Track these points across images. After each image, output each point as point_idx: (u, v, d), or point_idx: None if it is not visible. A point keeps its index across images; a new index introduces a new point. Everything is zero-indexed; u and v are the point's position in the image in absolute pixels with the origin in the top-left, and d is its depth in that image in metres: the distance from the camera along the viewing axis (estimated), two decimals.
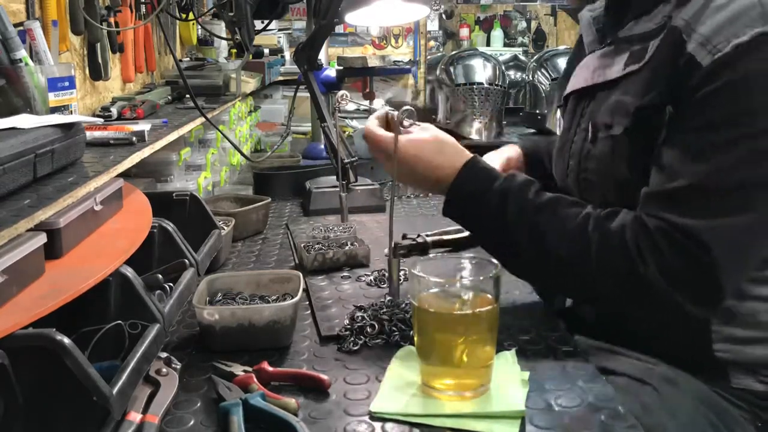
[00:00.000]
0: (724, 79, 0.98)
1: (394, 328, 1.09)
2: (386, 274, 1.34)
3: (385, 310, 1.14)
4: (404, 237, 1.35)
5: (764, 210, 0.99)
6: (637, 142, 1.07)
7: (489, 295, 0.92)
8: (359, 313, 1.13)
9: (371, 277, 1.35)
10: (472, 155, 1.17)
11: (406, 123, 1.15)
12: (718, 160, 0.98)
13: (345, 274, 1.38)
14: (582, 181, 1.18)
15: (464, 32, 6.01)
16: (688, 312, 1.00)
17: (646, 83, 1.06)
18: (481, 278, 0.94)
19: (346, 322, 1.12)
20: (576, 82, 1.24)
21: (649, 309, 1.04)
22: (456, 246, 1.54)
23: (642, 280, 1.00)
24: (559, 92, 1.45)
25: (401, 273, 1.23)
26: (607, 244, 1.03)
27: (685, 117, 1.01)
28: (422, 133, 1.16)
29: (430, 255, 1.23)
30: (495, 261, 0.96)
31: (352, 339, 1.07)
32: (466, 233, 1.49)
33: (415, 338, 0.95)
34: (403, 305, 1.14)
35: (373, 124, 1.19)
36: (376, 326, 1.09)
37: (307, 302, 1.25)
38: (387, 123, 1.20)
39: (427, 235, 1.47)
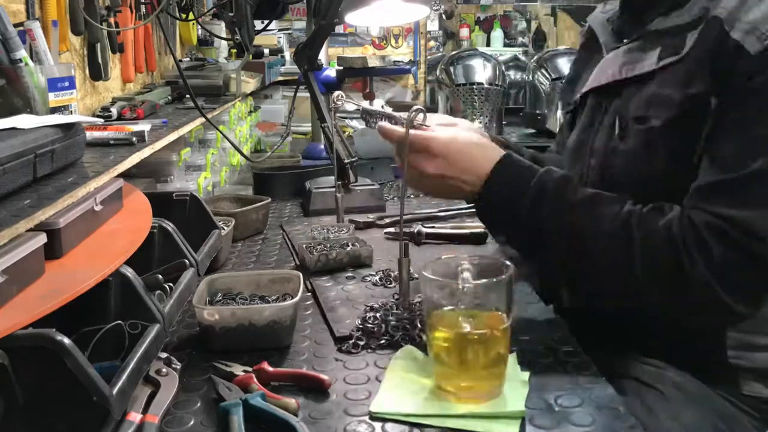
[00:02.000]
0: None
1: (399, 330, 1.08)
2: (391, 274, 1.34)
3: (396, 310, 1.14)
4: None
5: None
6: (677, 134, 1.04)
7: (502, 313, 0.90)
8: (371, 314, 1.14)
9: (377, 278, 1.35)
10: (505, 152, 1.12)
11: (417, 123, 1.14)
12: None
13: (349, 274, 1.38)
14: (607, 180, 1.14)
15: (464, 32, 6.02)
16: (734, 313, 0.98)
17: (688, 74, 1.03)
18: (494, 294, 0.91)
19: (358, 322, 1.12)
20: (598, 80, 1.20)
21: (691, 313, 1.01)
22: (457, 241, 1.55)
23: (688, 280, 0.97)
24: (565, 96, 1.43)
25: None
26: (652, 244, 1.00)
27: (737, 107, 0.99)
28: (460, 130, 1.14)
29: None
30: (507, 263, 0.93)
31: (355, 340, 1.07)
32: (467, 231, 1.49)
33: (428, 343, 0.94)
34: (413, 305, 1.14)
35: (390, 126, 1.15)
36: (383, 327, 1.09)
37: (314, 303, 1.25)
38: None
39: (426, 226, 1.47)
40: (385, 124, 1.18)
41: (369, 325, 1.10)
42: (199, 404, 0.92)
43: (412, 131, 1.11)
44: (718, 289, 0.96)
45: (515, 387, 0.92)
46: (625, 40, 1.19)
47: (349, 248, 1.43)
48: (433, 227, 1.60)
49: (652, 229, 1.01)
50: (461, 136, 1.13)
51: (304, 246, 1.44)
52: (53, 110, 1.27)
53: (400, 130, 1.12)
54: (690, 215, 0.99)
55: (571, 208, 1.05)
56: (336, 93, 1.42)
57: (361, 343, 1.07)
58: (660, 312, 1.04)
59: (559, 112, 1.42)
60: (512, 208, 1.08)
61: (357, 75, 2.71)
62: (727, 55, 0.99)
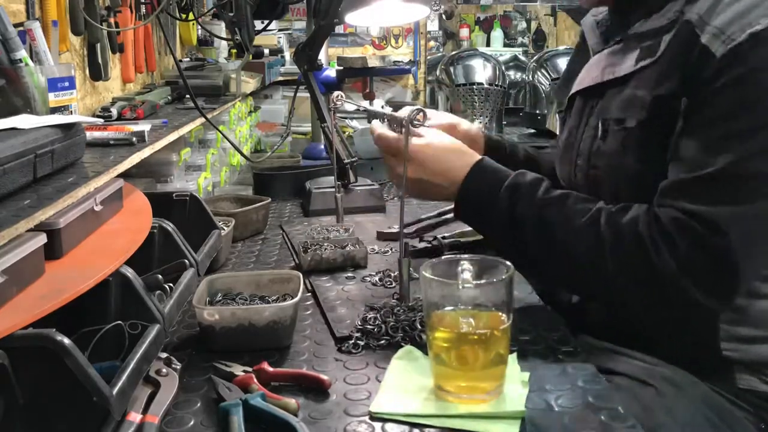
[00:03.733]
0: (740, 68, 0.99)
1: (399, 331, 1.08)
2: (391, 274, 1.34)
3: (396, 310, 1.14)
4: (421, 239, 1.35)
5: None
6: (650, 135, 1.07)
7: (502, 314, 0.90)
8: (371, 314, 1.14)
9: (376, 278, 1.35)
10: (480, 156, 1.18)
11: (418, 123, 1.15)
12: (736, 148, 0.99)
13: (349, 274, 1.38)
14: (591, 179, 1.18)
15: (464, 32, 6.02)
16: (701, 306, 1.00)
17: (660, 75, 1.06)
18: (494, 294, 0.91)
19: (358, 323, 1.12)
20: (583, 82, 1.24)
21: (662, 305, 1.04)
22: (471, 248, 1.54)
23: (656, 273, 0.99)
24: (559, 95, 1.46)
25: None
26: (621, 239, 1.03)
27: (702, 108, 1.01)
28: (433, 135, 1.19)
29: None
30: (507, 263, 0.94)
31: (355, 341, 1.07)
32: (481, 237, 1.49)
33: (428, 343, 0.94)
34: (413, 305, 1.15)
35: (382, 129, 1.21)
36: (383, 327, 1.09)
37: (314, 303, 1.25)
38: (392, 126, 1.20)
39: (444, 237, 1.48)
40: (374, 125, 1.23)
41: (369, 326, 1.10)
42: (199, 404, 0.92)
43: (392, 135, 1.18)
44: (686, 283, 0.99)
45: (515, 387, 0.92)
46: (611, 42, 1.22)
47: (342, 249, 1.43)
48: (453, 237, 1.57)
49: (619, 224, 1.04)
50: (436, 141, 1.19)
51: (300, 245, 1.44)
52: (53, 110, 1.27)
53: (388, 134, 1.19)
54: (656, 211, 1.02)
55: (543, 205, 1.10)
56: (336, 93, 1.42)
57: (361, 343, 1.07)
58: (630, 305, 1.08)
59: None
60: (488, 209, 1.14)
61: (357, 75, 2.71)
62: (695, 57, 1.02)
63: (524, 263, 1.14)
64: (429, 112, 1.26)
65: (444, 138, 1.20)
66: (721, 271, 0.99)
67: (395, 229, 1.63)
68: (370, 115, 1.32)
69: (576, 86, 1.27)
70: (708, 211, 0.98)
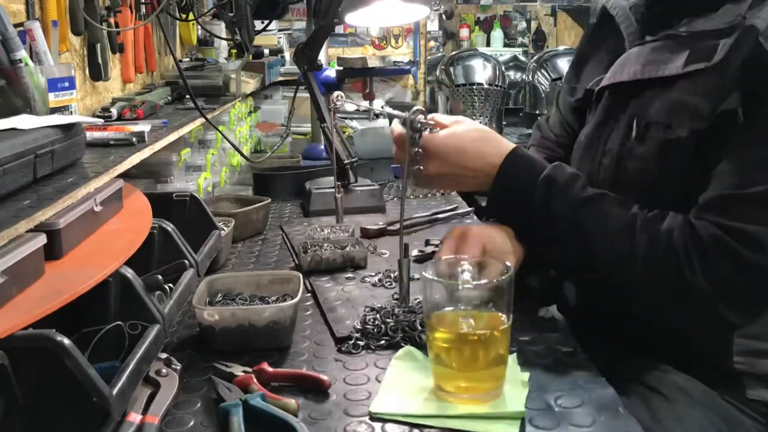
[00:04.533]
0: None
1: (399, 331, 1.08)
2: (391, 275, 1.34)
3: (396, 311, 1.14)
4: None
5: None
6: (702, 146, 1.02)
7: (502, 314, 0.90)
8: (371, 315, 1.13)
9: (376, 279, 1.34)
10: (515, 145, 1.14)
11: (417, 125, 1.14)
12: None
13: (349, 275, 1.38)
14: (618, 180, 1.12)
15: (464, 32, 6.03)
16: (728, 323, 0.99)
17: (720, 85, 1.00)
18: (494, 295, 0.91)
19: (358, 323, 1.12)
20: (618, 75, 1.15)
21: (688, 318, 1.02)
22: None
23: (687, 287, 0.97)
24: (570, 80, 1.37)
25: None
26: (655, 247, 1.00)
27: (757, 124, 0.97)
28: (459, 125, 1.15)
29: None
30: (507, 263, 0.93)
31: (354, 341, 1.07)
32: None
33: (428, 343, 0.94)
34: (413, 305, 1.15)
35: (399, 127, 1.18)
36: (383, 328, 1.09)
37: (314, 303, 1.25)
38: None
39: (436, 245, 1.47)
40: (395, 126, 1.20)
41: (369, 326, 1.10)
42: (199, 405, 0.92)
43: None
44: (716, 299, 0.97)
45: (515, 387, 0.92)
46: (648, 37, 1.15)
47: (342, 249, 1.43)
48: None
49: (655, 232, 1.01)
50: (460, 130, 1.14)
51: (300, 246, 1.44)
52: (53, 110, 1.27)
53: (403, 132, 1.14)
54: (694, 224, 0.99)
55: (580, 202, 1.06)
56: (335, 93, 1.42)
57: (361, 343, 1.07)
58: (657, 316, 1.05)
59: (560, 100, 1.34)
60: (522, 201, 1.09)
61: (357, 75, 2.71)
62: (759, 68, 0.96)
63: (553, 257, 1.11)
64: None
65: (469, 126, 1.15)
66: (758, 291, 0.97)
67: (380, 225, 1.63)
68: (372, 114, 1.32)
69: (607, 79, 1.18)
70: (752, 230, 0.95)
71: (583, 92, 1.28)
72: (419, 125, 1.13)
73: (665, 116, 1.05)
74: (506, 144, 1.14)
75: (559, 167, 1.10)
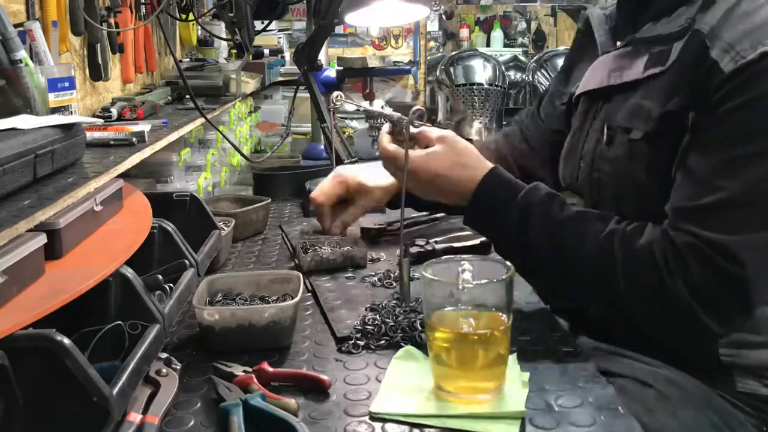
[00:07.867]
0: (751, 89, 0.96)
1: (399, 331, 1.08)
2: (391, 275, 1.34)
3: (396, 311, 1.14)
4: (413, 244, 1.35)
5: None
6: (656, 147, 1.05)
7: (502, 314, 0.90)
8: (371, 315, 1.14)
9: (376, 278, 1.34)
10: (492, 165, 1.15)
11: (415, 126, 1.15)
12: (749, 173, 0.97)
13: (349, 274, 1.38)
14: (594, 182, 1.17)
15: (464, 33, 6.02)
16: (709, 332, 0.99)
17: (669, 88, 1.03)
18: (494, 294, 0.91)
19: (358, 323, 1.12)
20: (589, 83, 1.21)
21: (672, 329, 1.03)
22: (466, 253, 1.53)
23: (669, 298, 0.99)
24: (558, 85, 1.43)
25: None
26: (634, 261, 1.01)
27: (713, 126, 0.99)
28: (439, 147, 1.15)
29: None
30: (507, 263, 0.93)
31: (355, 341, 1.07)
32: (477, 240, 1.48)
33: (428, 343, 0.94)
34: (414, 305, 1.15)
35: (385, 140, 1.19)
36: (383, 328, 1.09)
37: (314, 303, 1.24)
38: (396, 128, 1.20)
39: (437, 242, 1.47)
40: (381, 137, 1.21)
41: (369, 326, 1.10)
42: (199, 404, 0.92)
43: (392, 148, 1.16)
44: (697, 308, 0.98)
45: (515, 387, 0.92)
46: (618, 43, 1.19)
47: (343, 249, 1.43)
48: (444, 242, 1.57)
49: (634, 247, 1.03)
50: (437, 153, 1.14)
51: (300, 246, 1.44)
52: (53, 110, 1.27)
53: (388, 147, 1.17)
54: (671, 235, 1.01)
55: (557, 224, 1.08)
56: (335, 93, 1.42)
57: (362, 343, 1.07)
58: (640, 328, 1.06)
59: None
60: (498, 222, 1.12)
61: (357, 75, 2.72)
62: (705, 71, 0.99)
63: (533, 276, 1.14)
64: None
65: (449, 147, 1.15)
66: (735, 301, 0.98)
67: (380, 225, 1.63)
68: (368, 115, 1.33)
69: (581, 87, 1.24)
70: (722, 239, 0.96)
71: (568, 98, 1.34)
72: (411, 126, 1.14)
73: (626, 120, 1.10)
74: (482, 167, 1.14)
75: (535, 188, 1.11)
